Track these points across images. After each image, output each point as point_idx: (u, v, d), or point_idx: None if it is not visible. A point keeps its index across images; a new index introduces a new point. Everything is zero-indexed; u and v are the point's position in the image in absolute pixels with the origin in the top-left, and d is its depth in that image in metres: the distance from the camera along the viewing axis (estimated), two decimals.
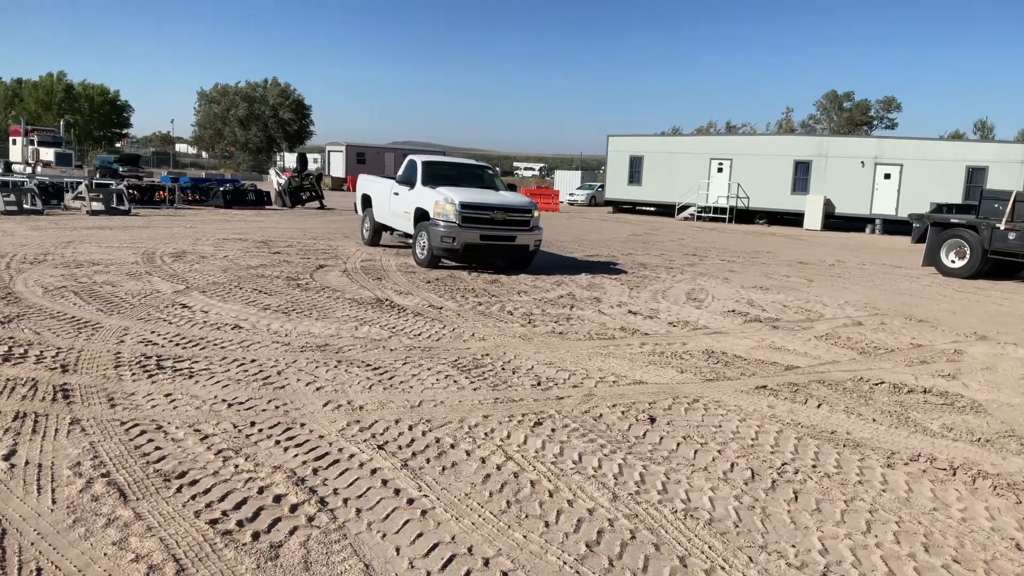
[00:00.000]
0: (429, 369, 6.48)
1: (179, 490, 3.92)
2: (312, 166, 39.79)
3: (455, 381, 6.18)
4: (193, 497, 3.85)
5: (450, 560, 3.37)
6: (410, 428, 5.03)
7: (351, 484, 4.11)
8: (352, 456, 4.49)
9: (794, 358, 7.60)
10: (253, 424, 4.93)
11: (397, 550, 3.43)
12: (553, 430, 5.16)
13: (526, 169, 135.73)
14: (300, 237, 17.04)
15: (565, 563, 3.40)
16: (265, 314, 8.37)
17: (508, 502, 4.00)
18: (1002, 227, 15.50)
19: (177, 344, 6.89)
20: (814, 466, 4.73)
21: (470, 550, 3.46)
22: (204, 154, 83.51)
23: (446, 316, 8.83)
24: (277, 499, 3.86)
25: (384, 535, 3.56)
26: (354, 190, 44.55)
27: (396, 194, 14.16)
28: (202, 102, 71.97)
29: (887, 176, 30.42)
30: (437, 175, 13.60)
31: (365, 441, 4.74)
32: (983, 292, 13.83)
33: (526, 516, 3.85)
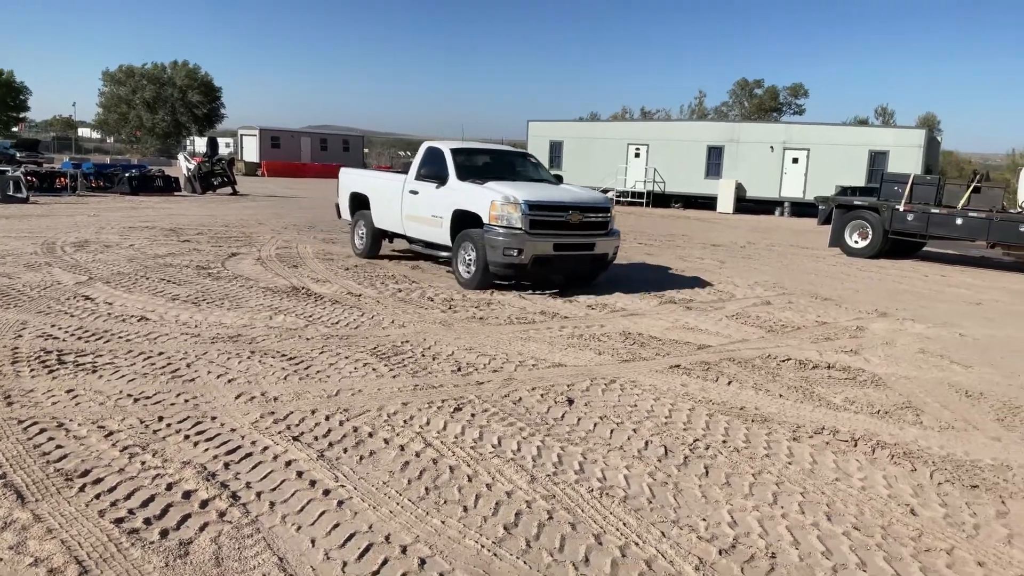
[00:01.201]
0: (347, 358, 6.38)
1: (82, 489, 3.76)
2: (224, 151, 38.57)
3: (374, 369, 6.11)
4: (97, 496, 3.69)
5: (367, 549, 3.34)
6: (327, 418, 4.95)
7: (265, 477, 4.01)
8: (266, 449, 4.39)
9: (706, 338, 7.82)
10: (161, 419, 4.76)
11: (312, 542, 3.37)
12: (473, 415, 5.16)
13: None
14: (211, 224, 16.50)
15: (483, 547, 3.41)
16: (173, 305, 8.08)
17: (427, 488, 3.99)
18: (901, 208, 16.31)
19: (79, 338, 6.59)
20: (724, 441, 4.89)
21: (387, 538, 3.44)
22: (109, 139, 79.71)
23: (365, 303, 8.72)
24: (187, 495, 3.74)
25: (299, 527, 3.50)
26: (268, 175, 42.70)
27: (414, 192, 11.11)
28: (107, 83, 68.56)
29: (795, 160, 31.55)
30: (472, 167, 10.86)
31: (279, 433, 4.64)
32: (884, 271, 14.53)
33: (445, 502, 3.85)
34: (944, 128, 64.12)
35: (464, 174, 10.49)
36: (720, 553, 3.45)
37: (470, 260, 9.97)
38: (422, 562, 3.26)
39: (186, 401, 5.11)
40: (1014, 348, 8.14)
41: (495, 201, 9.62)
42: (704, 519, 3.79)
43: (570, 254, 10.03)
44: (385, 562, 3.24)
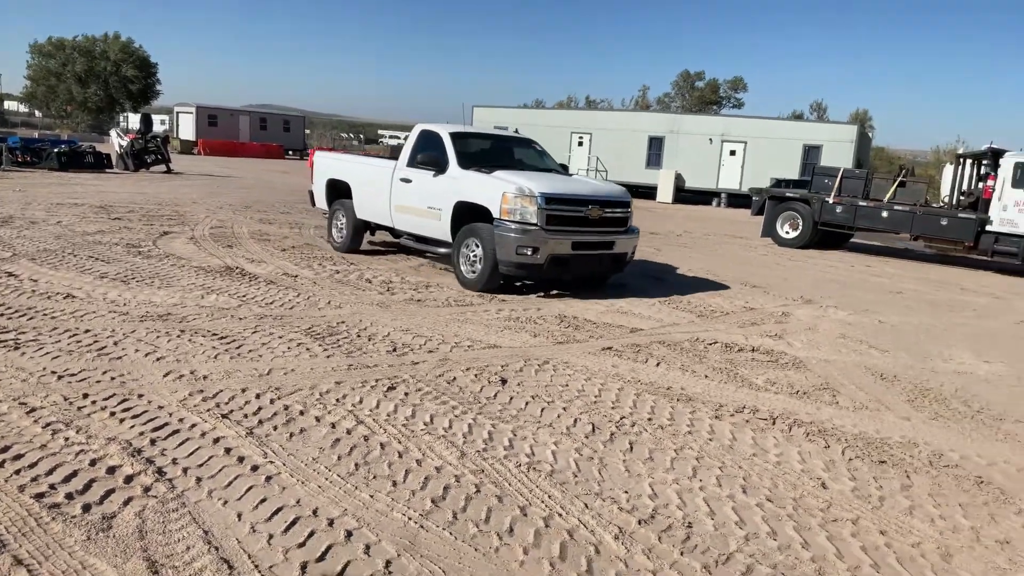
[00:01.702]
0: (280, 337, 6.34)
1: (1, 465, 3.68)
2: (158, 128, 37.45)
3: (308, 349, 6.09)
4: (17, 472, 3.63)
5: (294, 523, 3.37)
6: (257, 396, 4.93)
7: (192, 453, 3.99)
8: (194, 426, 4.36)
9: (639, 321, 8.01)
10: (86, 396, 4.67)
11: (239, 516, 3.39)
12: (406, 394, 5.21)
13: (391, 137, 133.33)
14: (143, 202, 16.06)
15: (410, 519, 3.48)
16: (102, 283, 7.88)
17: (356, 464, 4.03)
18: (831, 201, 16.86)
19: (1, 315, 6.39)
20: (650, 419, 5.05)
21: (315, 512, 3.47)
22: (38, 113, 76.40)
23: (301, 284, 8.65)
24: (111, 471, 3.71)
25: (225, 502, 3.50)
26: (205, 153, 41.44)
27: (406, 181, 10.02)
28: (35, 56, 65.64)
29: (732, 153, 32.24)
30: (474, 153, 9.82)
31: (208, 411, 4.61)
32: (812, 260, 15.03)
33: (374, 477, 3.90)
34: (876, 124, 66.15)
35: (466, 161, 9.47)
36: (639, 523, 3.59)
37: (476, 258, 8.95)
38: (348, 534, 3.30)
39: (112, 379, 5.02)
40: (929, 334, 8.56)
41: (507, 193, 8.62)
42: (626, 491, 3.93)
43: (589, 253, 9.09)
44: (312, 534, 3.28)
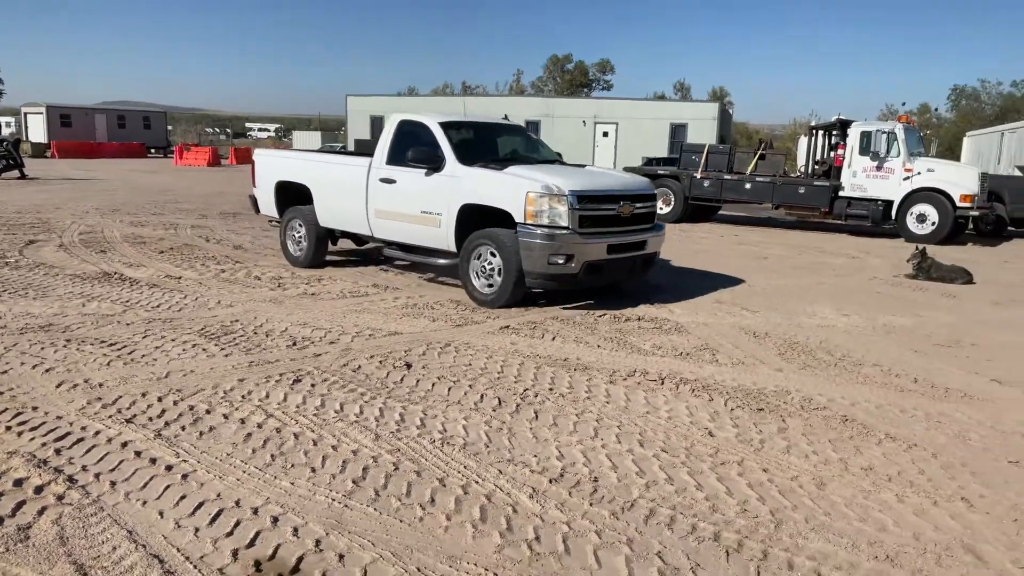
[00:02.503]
0: (173, 340, 6.23)
1: None
2: (6, 131, 34.86)
3: (204, 349, 6.02)
4: None
5: (218, 515, 3.42)
6: (159, 399, 4.87)
7: (101, 459, 3.95)
8: (98, 432, 4.29)
9: (532, 299, 8.30)
10: None
11: (161, 514, 3.41)
12: (313, 385, 5.27)
13: (260, 130, 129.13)
14: (1, 211, 15.02)
15: (334, 500, 3.60)
16: None
17: (272, 456, 4.10)
18: (699, 176, 17.80)
19: None
20: (551, 389, 5.35)
21: (237, 503, 3.54)
22: None
23: (186, 286, 8.44)
24: (18, 483, 3.63)
25: (145, 502, 3.51)
26: (59, 156, 38.86)
27: (388, 181, 8.67)
28: None
29: (605, 134, 33.32)
30: (471, 146, 8.56)
31: (110, 417, 4.53)
32: (686, 234, 15.86)
33: (292, 465, 3.98)
34: (735, 101, 69.76)
35: (465, 156, 8.20)
36: (551, 482, 3.86)
37: (492, 270, 7.83)
38: (275, 520, 3.40)
39: (1, 393, 4.83)
40: (793, 294, 9.31)
41: (531, 193, 7.47)
42: (536, 456, 4.20)
43: (623, 257, 8.06)
44: (238, 524, 3.35)
